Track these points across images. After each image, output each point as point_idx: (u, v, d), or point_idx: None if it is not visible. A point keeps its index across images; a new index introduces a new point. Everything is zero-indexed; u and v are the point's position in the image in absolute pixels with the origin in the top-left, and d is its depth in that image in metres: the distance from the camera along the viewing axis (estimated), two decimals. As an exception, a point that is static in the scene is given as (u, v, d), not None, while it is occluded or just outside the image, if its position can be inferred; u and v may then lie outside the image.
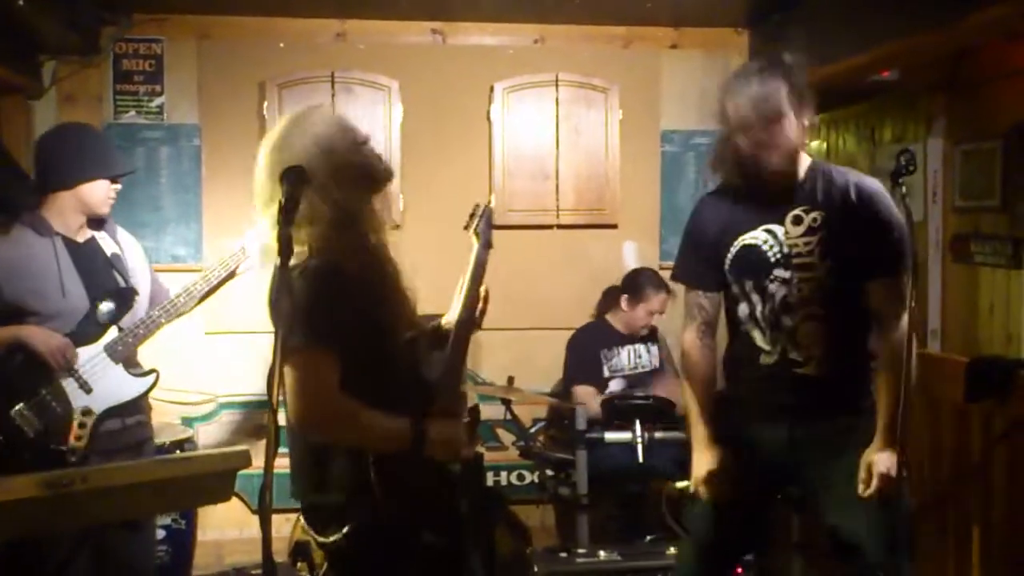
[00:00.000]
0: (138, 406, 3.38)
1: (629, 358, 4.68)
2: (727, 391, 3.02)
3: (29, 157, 4.67)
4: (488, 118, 5.05)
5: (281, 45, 4.91)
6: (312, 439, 2.30)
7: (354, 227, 2.31)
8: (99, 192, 3.27)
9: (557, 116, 5.06)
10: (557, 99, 5.05)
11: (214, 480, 2.51)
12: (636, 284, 4.67)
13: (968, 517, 3.63)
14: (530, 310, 5.05)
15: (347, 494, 2.30)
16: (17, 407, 3.16)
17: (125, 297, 3.34)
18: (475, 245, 2.71)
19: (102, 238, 3.40)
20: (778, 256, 2.79)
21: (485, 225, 2.74)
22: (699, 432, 2.91)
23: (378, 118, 4.83)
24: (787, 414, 2.82)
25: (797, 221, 2.79)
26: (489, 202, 2.83)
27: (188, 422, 4.67)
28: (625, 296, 4.67)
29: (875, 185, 2.79)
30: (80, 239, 3.33)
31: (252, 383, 4.81)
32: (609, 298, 4.86)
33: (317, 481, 2.36)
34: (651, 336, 4.76)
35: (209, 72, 4.87)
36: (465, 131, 5.06)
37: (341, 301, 2.24)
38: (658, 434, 4.17)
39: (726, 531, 2.92)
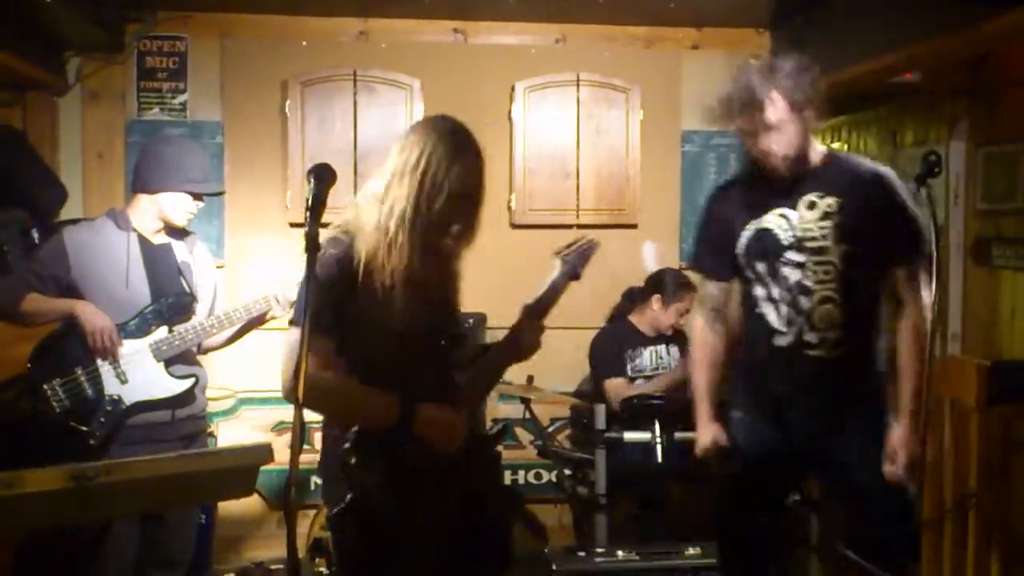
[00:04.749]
0: (187, 400, 3.49)
1: (651, 359, 4.68)
2: (745, 367, 3.12)
3: (54, 153, 4.73)
4: (509, 117, 5.05)
5: (304, 43, 4.93)
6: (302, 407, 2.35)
7: (419, 227, 2.35)
8: (178, 204, 3.42)
9: (578, 116, 5.06)
10: (578, 99, 5.05)
11: (237, 474, 2.54)
12: (668, 284, 4.68)
13: (988, 521, 3.62)
14: (549, 309, 5.04)
15: (339, 471, 2.36)
16: (52, 382, 3.30)
17: (184, 303, 3.48)
18: (556, 270, 2.71)
19: (178, 246, 3.55)
20: (791, 240, 2.85)
21: (577, 257, 2.75)
22: (701, 410, 3.10)
23: (399, 117, 4.84)
24: (799, 393, 2.91)
25: (811, 206, 2.85)
26: (592, 239, 2.83)
27: (207, 417, 4.69)
28: (658, 296, 4.67)
29: (890, 172, 2.85)
30: (155, 241, 3.48)
31: (272, 379, 4.80)
32: (631, 299, 4.85)
33: (325, 458, 2.49)
34: (675, 337, 4.75)
35: (232, 70, 4.90)
36: (486, 130, 5.06)
37: (348, 290, 2.31)
38: (677, 435, 4.18)
39: (747, 494, 3.09)
